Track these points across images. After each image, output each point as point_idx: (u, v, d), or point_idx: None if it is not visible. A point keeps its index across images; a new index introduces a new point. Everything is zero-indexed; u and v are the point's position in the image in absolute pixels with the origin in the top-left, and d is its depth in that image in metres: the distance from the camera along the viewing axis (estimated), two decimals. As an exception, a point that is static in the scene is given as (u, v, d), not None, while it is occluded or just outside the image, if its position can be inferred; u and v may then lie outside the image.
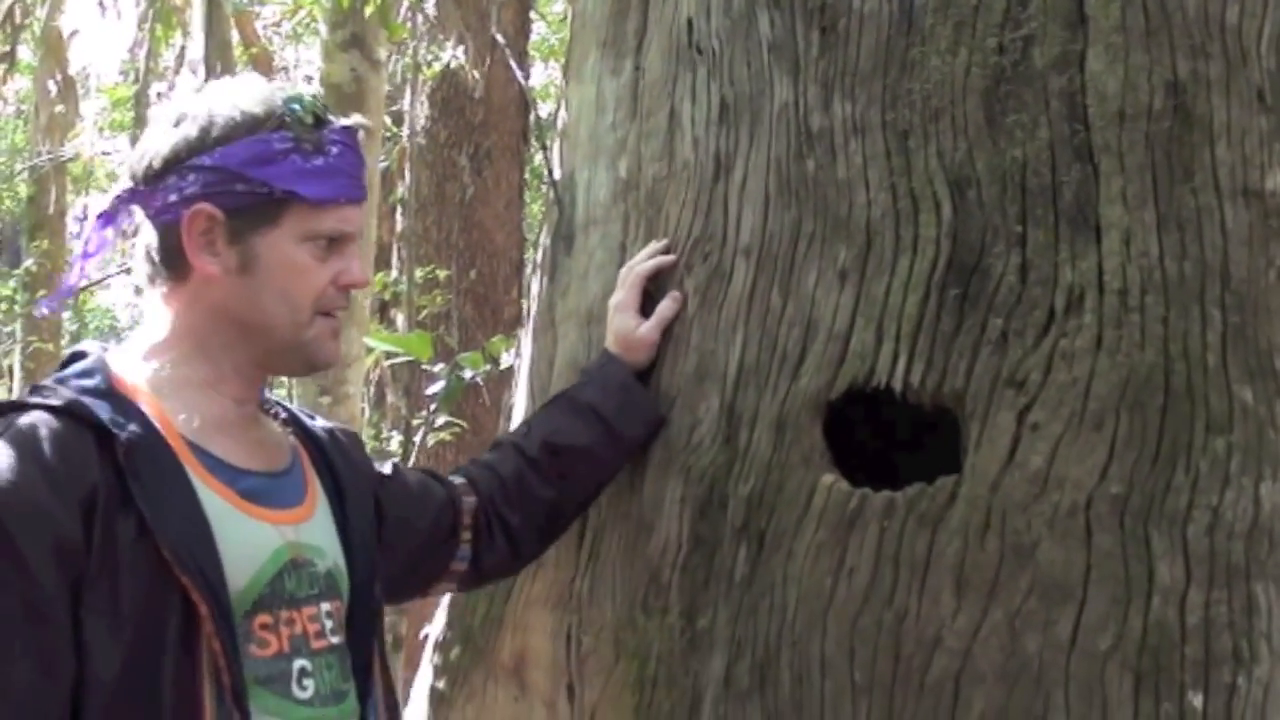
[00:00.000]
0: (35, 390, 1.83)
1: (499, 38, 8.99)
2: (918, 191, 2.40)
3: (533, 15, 11.68)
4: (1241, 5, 2.40)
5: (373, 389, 10.14)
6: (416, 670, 3.19)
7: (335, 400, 6.02)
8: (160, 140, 1.94)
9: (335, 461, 2.09)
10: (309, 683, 1.86)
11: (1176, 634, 2.13)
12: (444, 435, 7.22)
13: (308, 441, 2.08)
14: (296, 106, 1.91)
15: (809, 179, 2.51)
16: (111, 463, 1.73)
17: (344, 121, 1.96)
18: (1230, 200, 2.32)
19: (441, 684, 2.96)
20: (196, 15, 6.85)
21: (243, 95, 1.94)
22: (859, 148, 2.47)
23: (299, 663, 1.86)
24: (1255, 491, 2.21)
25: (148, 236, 1.96)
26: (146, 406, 1.83)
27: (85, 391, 1.81)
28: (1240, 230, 2.32)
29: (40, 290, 12.70)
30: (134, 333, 2.02)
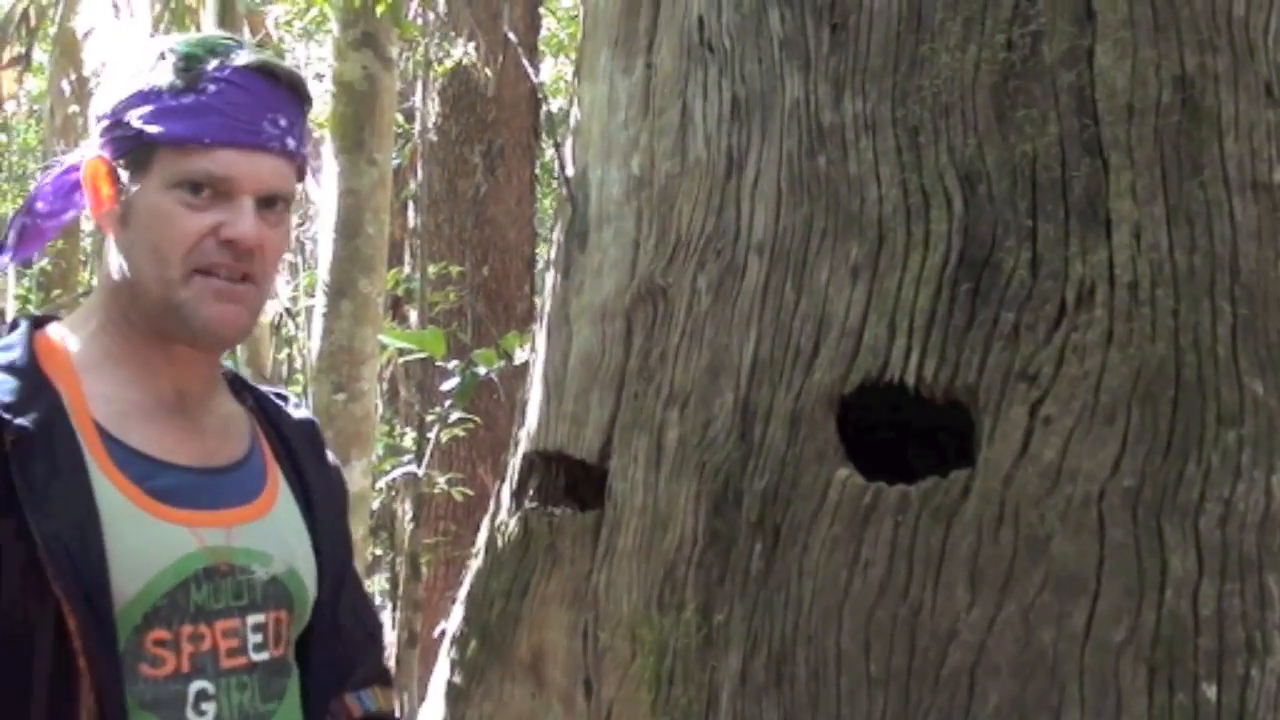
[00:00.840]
0: None
1: (510, 35, 9.00)
2: (929, 187, 2.42)
3: (541, 10, 11.70)
4: (1250, -2, 2.42)
5: (386, 385, 10.14)
6: (433, 667, 3.21)
7: (350, 397, 6.02)
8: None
9: (301, 458, 1.90)
10: (208, 707, 1.65)
11: (1190, 626, 2.14)
12: (458, 431, 7.24)
13: (273, 433, 1.90)
14: (176, 45, 1.75)
15: (821, 175, 2.52)
16: (5, 453, 1.56)
17: (239, 61, 1.73)
18: (1239, 193, 2.33)
19: (458, 680, 2.98)
20: (209, 15, 6.87)
21: (153, 45, 1.79)
22: (870, 144, 2.49)
23: (198, 685, 1.65)
24: (1267, 483, 2.22)
25: None
26: (65, 388, 1.66)
27: None
28: (1249, 223, 2.33)
29: (55, 290, 12.73)
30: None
